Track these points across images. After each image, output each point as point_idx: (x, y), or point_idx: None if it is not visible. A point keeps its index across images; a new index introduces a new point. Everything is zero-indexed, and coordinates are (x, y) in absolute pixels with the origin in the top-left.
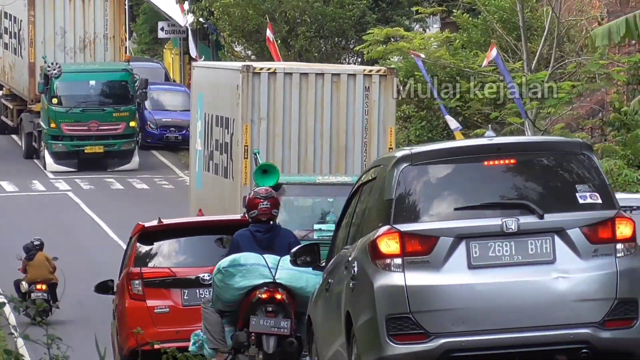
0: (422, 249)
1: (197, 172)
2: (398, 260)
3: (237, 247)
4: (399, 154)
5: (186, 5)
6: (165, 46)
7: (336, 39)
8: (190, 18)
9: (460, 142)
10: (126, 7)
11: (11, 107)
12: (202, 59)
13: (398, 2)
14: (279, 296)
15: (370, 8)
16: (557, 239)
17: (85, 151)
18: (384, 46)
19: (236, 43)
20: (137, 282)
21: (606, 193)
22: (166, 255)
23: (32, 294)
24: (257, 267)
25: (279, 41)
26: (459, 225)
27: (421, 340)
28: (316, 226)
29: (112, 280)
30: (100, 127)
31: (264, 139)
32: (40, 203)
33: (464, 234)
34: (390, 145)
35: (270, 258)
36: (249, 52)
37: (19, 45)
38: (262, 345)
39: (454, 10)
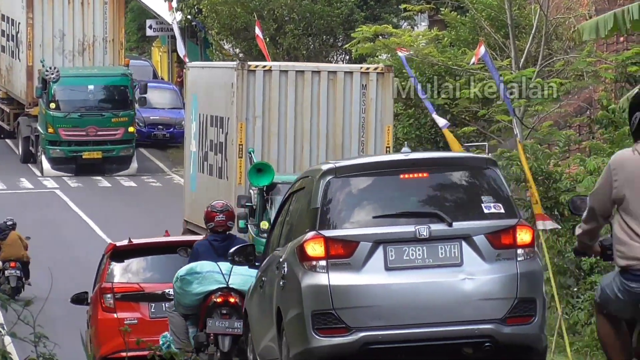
0: (344, 253)
1: (191, 174)
2: (323, 262)
3: (197, 255)
4: (325, 167)
5: (174, 3)
6: (154, 44)
7: (324, 36)
8: (179, 16)
9: (379, 157)
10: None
11: (7, 110)
12: (188, 61)
13: (387, 0)
14: (232, 300)
15: (359, 6)
16: (464, 244)
17: (83, 157)
18: (372, 43)
19: (224, 41)
20: (109, 296)
21: (508, 204)
22: (135, 272)
23: (6, 272)
24: (212, 274)
25: (268, 39)
26: (377, 231)
27: (343, 334)
28: None
29: (86, 292)
30: (99, 133)
31: (259, 138)
32: (28, 201)
33: (381, 239)
34: (388, 144)
35: (224, 265)
36: (237, 50)
37: (17, 48)
38: (219, 344)
39: (441, 8)
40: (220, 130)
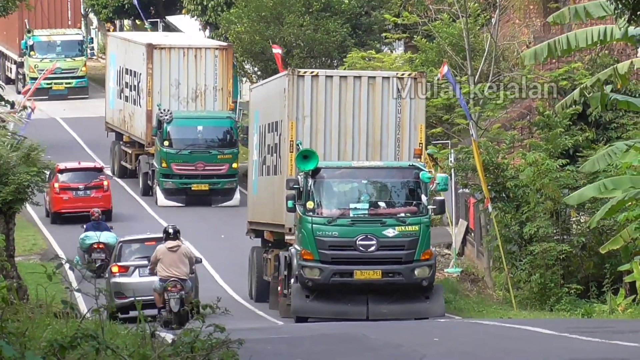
0: (125, 270)
1: (253, 180)
2: (117, 274)
3: (87, 229)
4: (119, 239)
5: (207, 32)
6: None
7: (323, 58)
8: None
9: (141, 235)
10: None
11: (130, 152)
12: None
13: (371, 29)
14: (101, 246)
15: (350, 34)
16: None
17: (193, 189)
18: (365, 61)
19: (245, 62)
20: (57, 187)
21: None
22: (66, 178)
23: None
24: (91, 236)
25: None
26: (135, 263)
27: (125, 299)
28: (352, 205)
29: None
30: (206, 168)
31: (307, 135)
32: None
33: (137, 266)
34: (421, 140)
35: (98, 233)
36: (256, 69)
37: (138, 96)
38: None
39: (415, 36)
40: (276, 132)
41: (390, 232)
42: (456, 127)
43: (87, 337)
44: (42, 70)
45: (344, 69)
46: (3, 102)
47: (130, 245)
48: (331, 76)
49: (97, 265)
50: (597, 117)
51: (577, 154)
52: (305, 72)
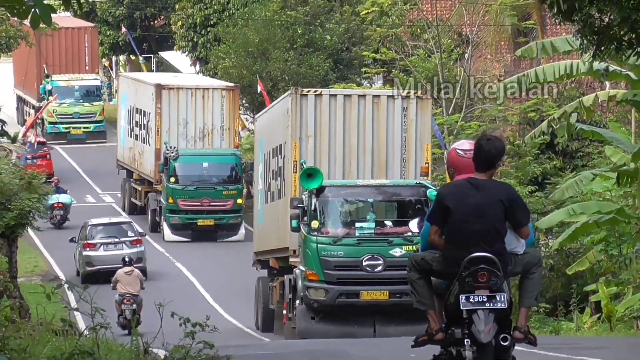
0: (93, 246)
1: (259, 209)
2: (87, 248)
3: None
4: (89, 222)
5: (197, 67)
6: None
7: None
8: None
9: (104, 219)
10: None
11: (140, 189)
12: None
13: (352, 64)
14: (59, 205)
15: (332, 69)
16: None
17: (198, 224)
18: None
19: None
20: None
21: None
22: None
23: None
24: (53, 198)
25: (266, 93)
26: (100, 241)
27: (93, 267)
28: (357, 224)
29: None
30: (212, 203)
31: (312, 155)
32: (91, 211)
33: (102, 243)
34: (427, 160)
35: (58, 195)
36: (244, 101)
37: (147, 134)
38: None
39: (392, 70)
40: (280, 156)
41: (397, 252)
42: (433, 156)
43: (84, 354)
44: (61, 114)
45: None
46: (5, 137)
47: (97, 227)
48: (335, 95)
49: (57, 219)
50: (564, 147)
51: (545, 181)
52: (308, 91)
